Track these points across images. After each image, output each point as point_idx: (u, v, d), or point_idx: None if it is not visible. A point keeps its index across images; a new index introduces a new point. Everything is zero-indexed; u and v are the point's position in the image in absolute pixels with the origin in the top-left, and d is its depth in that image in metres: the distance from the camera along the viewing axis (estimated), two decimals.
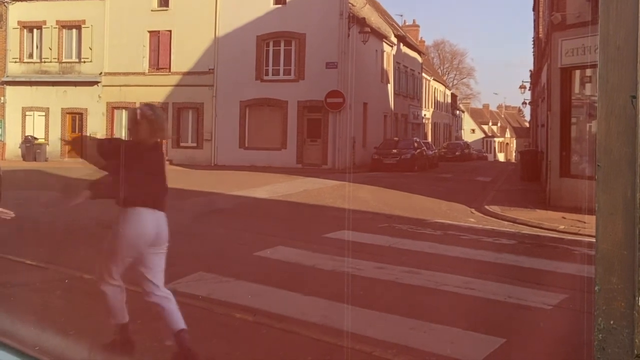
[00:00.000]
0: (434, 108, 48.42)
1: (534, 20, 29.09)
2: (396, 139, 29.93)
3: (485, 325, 5.06)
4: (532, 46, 32.00)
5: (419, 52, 42.43)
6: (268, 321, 4.90)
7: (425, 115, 43.74)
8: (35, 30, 29.33)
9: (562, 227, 10.48)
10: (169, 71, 27.70)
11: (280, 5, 26.23)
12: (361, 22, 27.03)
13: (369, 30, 27.49)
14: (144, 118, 3.88)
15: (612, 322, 1.34)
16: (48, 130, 28.57)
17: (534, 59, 30.74)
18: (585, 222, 10.22)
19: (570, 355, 4.35)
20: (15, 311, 5.05)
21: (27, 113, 29.02)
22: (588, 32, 11.85)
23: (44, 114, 28.83)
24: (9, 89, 29.27)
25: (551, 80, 14.21)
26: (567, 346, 4.68)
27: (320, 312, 5.19)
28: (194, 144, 27.26)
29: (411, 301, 5.88)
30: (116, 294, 4.04)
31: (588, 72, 13.20)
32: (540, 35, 24.79)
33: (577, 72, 13.51)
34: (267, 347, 4.47)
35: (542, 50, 21.62)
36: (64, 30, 29.01)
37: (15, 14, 29.28)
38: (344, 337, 4.45)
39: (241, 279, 6.32)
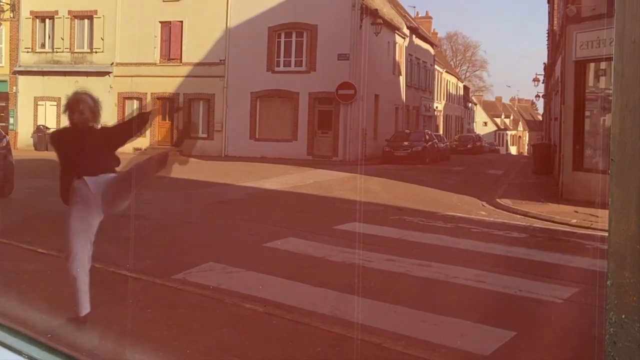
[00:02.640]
0: (446, 100, 48.19)
1: (549, 13, 28.81)
2: (407, 131, 29.83)
3: (496, 319, 5.05)
4: (547, 39, 31.73)
5: (432, 44, 42.19)
6: (278, 312, 4.92)
7: (437, 107, 43.55)
8: (47, 21, 29.46)
9: (574, 221, 10.41)
10: (180, 62, 27.73)
11: None
12: (373, 14, 26.89)
13: (382, 22, 27.34)
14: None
15: (623, 317, 1.33)
16: (60, 120, 28.72)
17: (548, 51, 30.47)
18: (597, 216, 10.15)
19: (580, 349, 4.33)
20: (27, 298, 5.10)
21: (39, 103, 29.20)
22: (603, 24, 11.72)
23: (55, 103, 28.96)
24: (21, 79, 29.46)
25: (565, 73, 14.08)
26: (577, 340, 4.66)
27: (330, 303, 5.20)
28: (205, 135, 27.32)
29: (421, 293, 5.87)
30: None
31: (603, 65, 13.07)
32: (554, 28, 24.56)
33: (592, 65, 13.38)
34: (277, 337, 4.49)
35: (556, 42, 21.43)
36: (76, 20, 29.11)
37: (28, 4, 29.42)
38: (354, 329, 4.45)
39: (251, 270, 6.34)
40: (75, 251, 4.14)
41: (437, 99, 43.63)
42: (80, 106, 4.13)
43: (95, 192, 4.06)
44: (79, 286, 4.15)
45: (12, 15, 29.60)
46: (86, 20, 28.97)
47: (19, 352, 3.35)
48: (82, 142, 4.13)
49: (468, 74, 68.74)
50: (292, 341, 4.44)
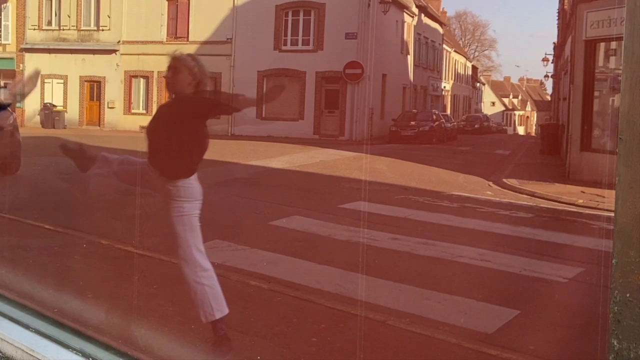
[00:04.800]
0: (454, 80, 47.82)
1: None
2: (415, 111, 29.66)
3: (500, 297, 5.06)
4: (557, 18, 31.34)
5: (441, 23, 41.76)
6: (283, 289, 4.94)
7: (445, 87, 43.25)
8: None
9: (580, 201, 10.38)
10: (187, 40, 27.59)
11: None
12: None
13: (390, 1, 27.04)
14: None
15: (628, 295, 1.32)
16: (67, 98, 28.76)
17: (558, 31, 30.12)
18: (604, 197, 10.10)
19: (585, 328, 4.34)
20: (34, 274, 5.14)
21: (46, 80, 29.18)
22: (614, 3, 11.55)
23: (62, 81, 28.98)
24: (27, 56, 29.41)
25: (575, 53, 13.93)
26: (582, 319, 4.67)
27: (334, 281, 5.22)
28: None
29: (426, 272, 5.88)
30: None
31: (613, 45, 12.92)
32: (565, 7, 24.24)
33: (602, 44, 13.22)
34: (281, 314, 4.52)
35: (566, 22, 21.16)
36: None
37: None
38: (358, 306, 4.48)
39: (256, 247, 6.36)
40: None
41: (445, 79, 43.31)
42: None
43: None
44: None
45: None
46: None
47: (26, 326, 3.40)
48: None
49: (477, 53, 68.08)
50: (296, 318, 4.46)
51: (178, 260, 3.71)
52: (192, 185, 3.69)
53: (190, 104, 3.67)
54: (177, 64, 3.63)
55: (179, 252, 3.69)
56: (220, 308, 3.60)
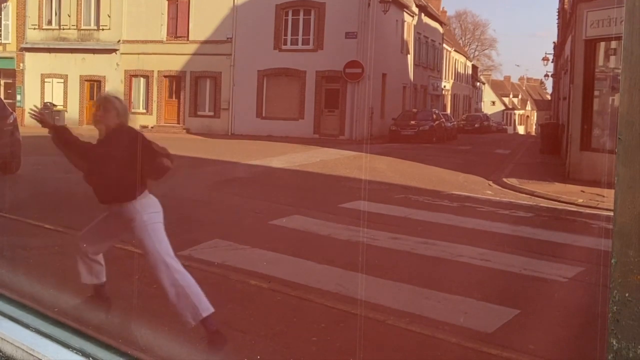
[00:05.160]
0: (454, 79, 47.80)
1: None
2: (415, 110, 29.66)
3: (500, 297, 5.07)
4: (557, 17, 31.34)
5: (441, 23, 41.73)
6: (283, 288, 4.95)
7: (445, 86, 43.23)
8: None
9: (580, 200, 10.38)
10: (187, 40, 27.59)
11: None
12: None
13: (390, 0, 27.05)
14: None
15: (627, 295, 1.32)
16: (67, 97, 28.76)
17: (558, 30, 30.11)
18: (604, 196, 10.11)
19: (584, 327, 4.34)
20: (35, 273, 5.14)
21: (46, 80, 29.19)
22: (614, 3, 11.55)
23: (62, 80, 28.97)
24: (28, 56, 29.41)
25: (575, 52, 13.92)
26: (581, 318, 4.67)
27: (334, 280, 5.22)
28: (211, 113, 27.27)
29: (426, 271, 5.89)
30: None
31: (613, 44, 12.92)
32: (565, 6, 24.23)
33: (602, 44, 13.22)
34: (281, 313, 4.52)
35: (566, 21, 21.16)
36: None
37: None
38: (358, 305, 4.48)
39: (256, 247, 6.36)
40: None
41: (445, 78, 43.29)
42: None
43: None
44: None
45: None
46: None
47: (26, 326, 3.40)
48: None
49: (477, 52, 68.05)
50: (296, 317, 4.47)
51: (152, 271, 3.84)
52: (148, 197, 3.91)
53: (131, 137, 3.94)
54: (105, 103, 3.98)
55: (150, 264, 3.85)
56: (205, 307, 3.69)
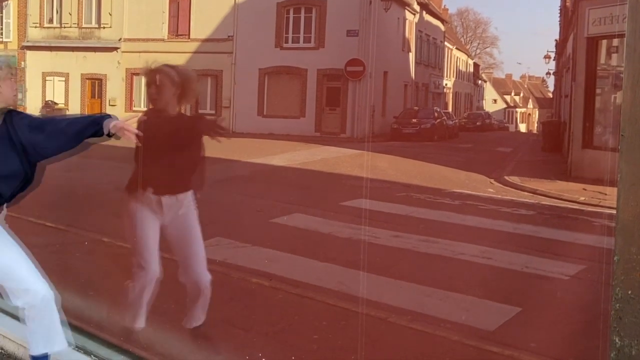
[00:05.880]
0: (456, 77, 47.71)
1: None
2: (416, 108, 29.63)
3: (502, 294, 5.06)
4: (559, 15, 31.25)
5: (442, 21, 41.66)
6: (284, 286, 4.94)
7: (446, 84, 43.15)
8: None
9: (582, 198, 10.36)
10: (188, 38, 27.58)
11: None
12: None
13: None
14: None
15: (629, 292, 1.31)
16: (68, 96, 28.76)
17: (560, 28, 30.01)
18: (606, 194, 10.08)
19: (586, 325, 4.33)
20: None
21: (47, 78, 29.19)
22: (616, 0, 11.52)
23: (63, 79, 28.97)
24: (29, 54, 29.42)
25: (577, 50, 13.90)
26: (583, 316, 4.66)
27: (336, 278, 5.22)
28: (212, 111, 27.26)
29: (427, 269, 5.88)
30: None
31: (615, 42, 12.89)
32: (567, 4, 24.17)
33: (604, 42, 13.19)
34: (283, 311, 4.52)
35: (568, 19, 21.10)
36: None
37: None
38: (359, 303, 4.47)
39: (258, 245, 6.36)
40: None
41: (446, 76, 43.21)
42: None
43: None
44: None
45: None
46: None
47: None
48: None
49: (478, 50, 67.81)
50: (297, 315, 4.47)
51: (189, 261, 3.63)
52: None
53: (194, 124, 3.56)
54: (160, 77, 3.54)
55: (193, 251, 3.66)
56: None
